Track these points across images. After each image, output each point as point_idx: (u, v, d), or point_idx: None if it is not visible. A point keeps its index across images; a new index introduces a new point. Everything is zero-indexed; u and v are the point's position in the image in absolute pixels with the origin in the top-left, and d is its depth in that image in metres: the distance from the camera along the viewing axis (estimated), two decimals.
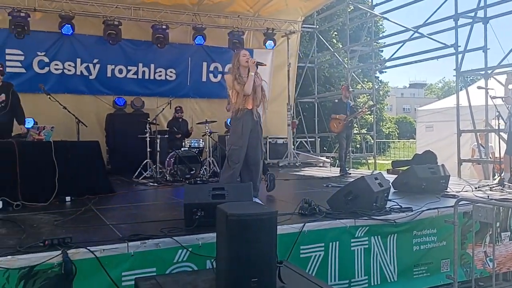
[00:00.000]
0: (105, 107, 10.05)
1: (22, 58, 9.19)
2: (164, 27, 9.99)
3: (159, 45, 10.02)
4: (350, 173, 8.50)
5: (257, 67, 4.88)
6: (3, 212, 4.47)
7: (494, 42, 9.39)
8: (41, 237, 3.11)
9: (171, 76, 10.76)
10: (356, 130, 13.37)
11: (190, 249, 3.20)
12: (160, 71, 10.63)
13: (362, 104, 17.81)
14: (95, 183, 5.69)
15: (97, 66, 9.96)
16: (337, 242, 3.82)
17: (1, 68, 6.10)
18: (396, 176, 6.35)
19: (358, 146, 17.03)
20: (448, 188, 5.83)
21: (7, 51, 9.04)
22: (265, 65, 5.31)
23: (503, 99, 6.23)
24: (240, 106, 4.83)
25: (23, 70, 9.23)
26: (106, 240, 3.11)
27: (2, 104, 6.07)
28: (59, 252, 2.82)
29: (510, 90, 6.18)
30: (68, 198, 5.19)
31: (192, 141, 8.28)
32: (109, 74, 10.13)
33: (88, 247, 2.92)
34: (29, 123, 7.46)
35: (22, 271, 2.75)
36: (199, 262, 3.24)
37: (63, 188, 5.14)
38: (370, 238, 3.98)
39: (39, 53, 9.35)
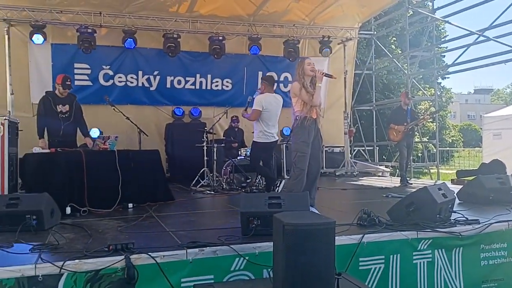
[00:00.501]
0: (164, 117, 10.41)
1: (89, 71, 9.75)
2: (220, 38, 10.22)
3: (215, 56, 10.25)
4: (411, 183, 8.18)
5: (327, 77, 4.91)
6: (71, 217, 4.72)
7: None
8: (106, 242, 3.24)
9: (227, 86, 10.96)
10: (418, 138, 12.90)
11: (247, 258, 3.20)
12: (217, 81, 10.87)
13: (423, 111, 17.17)
14: (155, 190, 5.87)
15: (157, 77, 10.36)
16: (398, 255, 3.66)
17: (69, 82, 6.47)
18: (461, 186, 6.04)
19: (420, 155, 16.40)
20: None
21: (76, 65, 9.64)
22: (335, 77, 5.38)
23: None
24: (306, 114, 4.82)
25: (90, 83, 9.80)
26: (166, 247, 3.18)
27: (66, 115, 6.41)
28: (123, 257, 2.92)
29: None
30: (130, 205, 5.39)
31: (248, 150, 8.31)
32: (168, 85, 10.50)
33: (149, 253, 3.00)
34: (95, 133, 7.88)
35: (88, 275, 2.87)
36: (256, 271, 3.23)
37: (126, 195, 5.35)
38: (434, 251, 3.79)
39: (104, 67, 9.90)
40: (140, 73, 10.22)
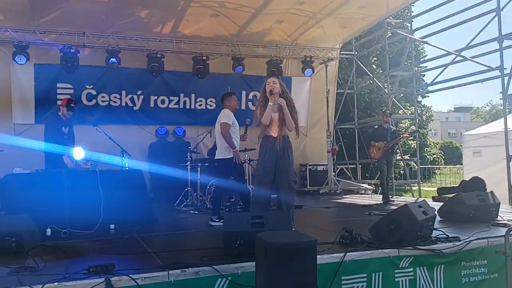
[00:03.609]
0: (148, 136, 10.37)
1: (72, 91, 9.67)
2: (204, 58, 10.30)
3: (199, 75, 10.32)
4: (393, 201, 8.27)
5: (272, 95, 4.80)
6: (52, 239, 4.64)
7: None
8: (86, 264, 3.20)
9: (211, 105, 11.00)
10: (399, 156, 13.07)
11: (229, 278, 3.19)
12: (201, 101, 10.90)
13: (404, 129, 17.44)
14: (138, 211, 5.82)
15: (141, 97, 10.35)
16: (380, 273, 3.70)
17: (73, 105, 6.63)
18: (442, 203, 6.13)
19: (402, 172, 16.58)
20: (498, 217, 5.56)
21: (59, 85, 9.58)
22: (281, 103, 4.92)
23: None
24: (264, 133, 4.83)
25: None
26: (148, 268, 3.16)
27: (66, 137, 6.44)
28: (103, 279, 2.89)
29: None
30: (112, 226, 5.34)
31: None
32: (152, 105, 10.49)
33: (130, 275, 2.97)
34: (79, 152, 7.79)
35: None
36: None
37: (108, 215, 5.29)
38: (416, 269, 3.83)
39: (87, 86, 9.85)
40: (123, 92, 10.20)
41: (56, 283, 2.83)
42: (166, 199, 8.34)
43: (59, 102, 9.11)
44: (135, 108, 10.34)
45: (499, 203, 5.74)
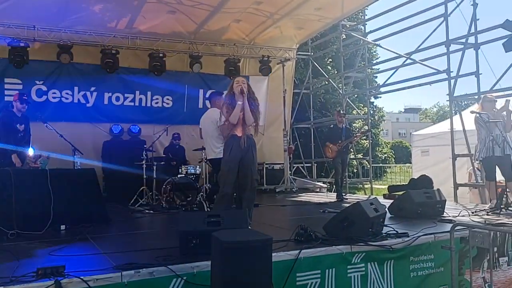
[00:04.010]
0: (101, 134, 10.08)
1: (20, 87, 9.24)
2: (161, 55, 10.14)
3: (156, 72, 10.15)
4: (346, 199, 8.49)
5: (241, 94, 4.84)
6: None
7: (486, 67, 9.62)
8: (35, 266, 3.08)
9: (168, 103, 10.86)
10: (353, 155, 13.42)
11: (185, 278, 3.17)
12: (157, 98, 10.73)
13: (357, 129, 17.94)
14: (90, 211, 5.65)
15: (94, 94, 10.05)
16: (334, 269, 3.79)
17: (26, 97, 6.37)
18: (392, 201, 6.36)
19: (355, 171, 17.04)
20: (444, 213, 5.83)
21: (6, 80, 9.13)
22: (244, 94, 4.93)
23: (497, 123, 6.30)
24: (229, 132, 4.85)
25: None
26: (100, 269, 3.09)
27: (22, 134, 6.14)
28: (52, 282, 2.80)
29: (479, 116, 6.31)
30: (63, 227, 5.16)
31: (188, 168, 8.27)
32: (106, 102, 10.21)
33: (81, 277, 2.89)
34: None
35: None
36: None
37: (58, 216, 5.12)
38: (367, 265, 3.95)
39: (37, 82, 9.46)
40: (76, 89, 9.86)
41: (1, 287, 2.71)
42: (120, 198, 8.15)
43: (7, 98, 8.76)
44: (88, 105, 10.03)
45: (445, 200, 6.02)
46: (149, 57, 10.15)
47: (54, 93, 9.65)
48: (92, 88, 10.01)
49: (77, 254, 3.81)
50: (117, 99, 10.34)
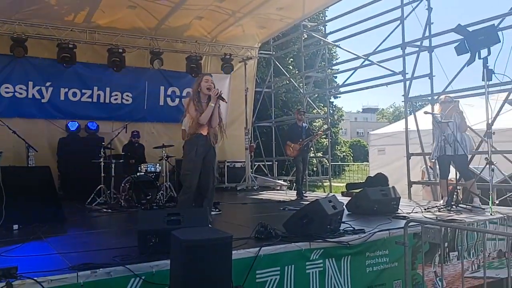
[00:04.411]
0: (57, 131, 9.76)
1: None
2: (120, 50, 9.92)
3: (115, 68, 9.93)
4: (306, 196, 8.62)
5: (220, 99, 4.92)
6: None
7: (440, 69, 10.02)
8: None
9: (127, 100, 10.64)
10: (313, 153, 13.65)
11: (143, 277, 3.14)
12: (116, 95, 10.50)
13: (317, 128, 18.25)
14: (45, 210, 5.47)
15: (50, 89, 9.71)
16: (293, 266, 3.84)
17: None
18: (350, 198, 6.51)
19: (314, 169, 17.34)
20: (399, 210, 6.03)
21: None
22: (225, 102, 5.32)
23: (446, 123, 6.57)
24: (195, 131, 4.83)
25: None
26: (54, 270, 3.00)
27: None
28: (3, 284, 2.70)
29: (436, 116, 6.58)
30: (15, 227, 4.97)
31: (148, 166, 8.15)
32: (62, 98, 9.89)
33: (34, 278, 2.80)
34: None
35: None
36: None
37: (10, 215, 4.92)
38: (325, 261, 4.03)
39: None
40: (30, 83, 9.49)
41: None
42: (77, 197, 7.94)
43: None
44: (43, 100, 9.67)
45: (400, 197, 6.23)
46: (108, 52, 9.91)
47: (7, 87, 9.25)
48: (48, 83, 9.66)
49: (31, 255, 3.68)
50: (74, 94, 10.03)
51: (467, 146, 6.44)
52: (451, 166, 6.62)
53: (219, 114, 5.00)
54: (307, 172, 9.75)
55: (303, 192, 8.88)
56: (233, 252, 3.07)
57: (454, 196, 6.50)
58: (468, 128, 6.78)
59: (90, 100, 10.22)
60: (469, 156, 6.33)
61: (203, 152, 4.86)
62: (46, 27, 9.26)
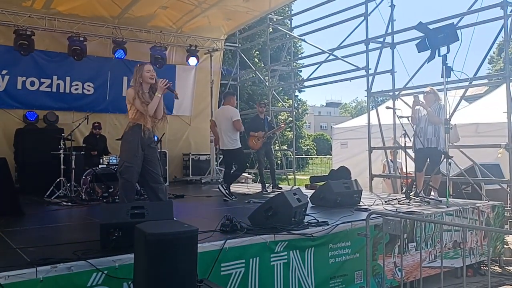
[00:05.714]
0: (14, 121, 9.37)
1: None
2: (81, 39, 9.61)
3: (75, 57, 9.61)
4: (281, 188, 8.69)
5: (169, 91, 4.78)
6: None
7: (401, 65, 10.31)
8: None
9: (88, 90, 10.34)
10: (277, 146, 13.74)
11: (105, 272, 3.08)
12: (77, 85, 10.18)
13: (282, 120, 18.37)
14: (1, 203, 5.26)
15: (6, 77, 9.29)
16: (258, 258, 3.87)
17: None
18: (314, 191, 6.61)
19: (279, 162, 17.47)
20: (361, 202, 6.18)
21: None
22: (176, 94, 5.04)
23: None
24: (137, 122, 4.70)
25: None
26: (12, 266, 2.89)
27: None
28: None
29: (417, 110, 6.69)
30: None
31: (110, 158, 7.95)
32: (19, 87, 9.48)
33: None
34: None
35: None
36: (116, 285, 3.12)
37: None
38: (289, 253, 4.09)
39: None
40: None
41: None
42: (35, 190, 7.68)
43: None
44: None
45: (361, 190, 6.38)
46: (68, 40, 9.58)
47: None
48: (4, 72, 9.24)
49: None
50: (32, 83, 9.64)
51: (440, 139, 6.34)
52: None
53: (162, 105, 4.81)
54: (275, 165, 9.76)
55: (278, 184, 8.96)
56: (199, 245, 3.06)
57: (413, 188, 6.73)
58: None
59: (49, 89, 9.86)
60: (442, 149, 6.35)
61: (144, 143, 4.69)
62: (2, 13, 8.84)
